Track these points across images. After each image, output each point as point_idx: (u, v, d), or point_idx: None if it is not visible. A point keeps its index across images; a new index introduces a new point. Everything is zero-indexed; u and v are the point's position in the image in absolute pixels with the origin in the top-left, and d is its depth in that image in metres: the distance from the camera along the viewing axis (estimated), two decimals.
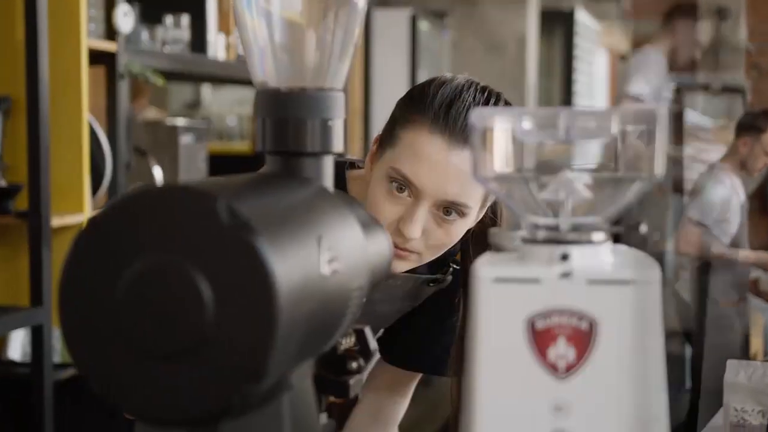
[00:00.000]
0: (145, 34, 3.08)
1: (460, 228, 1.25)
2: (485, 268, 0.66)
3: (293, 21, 0.85)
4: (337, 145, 0.85)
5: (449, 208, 1.23)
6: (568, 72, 7.63)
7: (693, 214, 4.26)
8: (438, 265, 1.39)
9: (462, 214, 1.23)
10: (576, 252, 0.67)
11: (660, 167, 0.72)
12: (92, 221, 0.64)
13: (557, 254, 0.67)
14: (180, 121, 3.29)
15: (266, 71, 0.85)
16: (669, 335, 4.12)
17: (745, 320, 4.32)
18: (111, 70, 2.77)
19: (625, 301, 0.65)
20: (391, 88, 4.31)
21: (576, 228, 0.71)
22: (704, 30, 9.40)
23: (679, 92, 5.03)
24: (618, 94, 4.47)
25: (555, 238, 0.68)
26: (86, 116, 2.62)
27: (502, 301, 0.66)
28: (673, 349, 4.35)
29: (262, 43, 0.85)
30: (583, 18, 7.69)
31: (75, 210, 2.61)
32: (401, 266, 1.27)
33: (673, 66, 4.46)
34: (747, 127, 4.34)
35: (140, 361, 0.61)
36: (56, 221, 2.53)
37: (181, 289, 0.60)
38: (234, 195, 0.67)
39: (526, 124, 0.73)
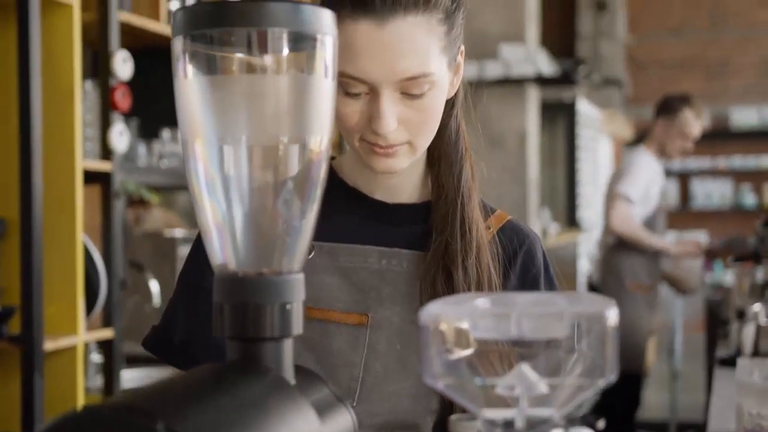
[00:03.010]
0: (142, 149, 3.10)
1: (434, 100, 1.16)
2: None
3: (252, 203, 0.84)
4: (297, 328, 0.84)
5: (410, 85, 1.13)
6: (571, 161, 7.67)
7: (622, 190, 4.24)
8: None
9: (428, 84, 1.14)
10: None
11: (613, 367, 0.71)
12: None
13: None
14: (179, 233, 3.30)
15: (225, 255, 0.85)
16: None
17: (654, 311, 4.27)
18: (106, 188, 2.79)
19: None
20: None
21: (532, 425, 0.70)
22: (584, 23, 9.51)
23: None
24: (610, 191, 4.49)
25: None
26: (81, 237, 2.62)
27: None
28: None
29: (220, 226, 0.84)
30: (584, 107, 7.76)
31: (69, 332, 2.60)
32: (397, 163, 1.19)
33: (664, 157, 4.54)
34: (662, 109, 4.40)
35: None
36: (49, 345, 2.51)
37: None
38: (176, 410, 0.65)
39: (479, 323, 0.72)
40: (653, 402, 6.61)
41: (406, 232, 1.26)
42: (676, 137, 4.39)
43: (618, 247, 4.34)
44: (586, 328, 0.71)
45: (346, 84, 1.14)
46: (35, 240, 2.48)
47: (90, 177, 2.75)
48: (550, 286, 1.23)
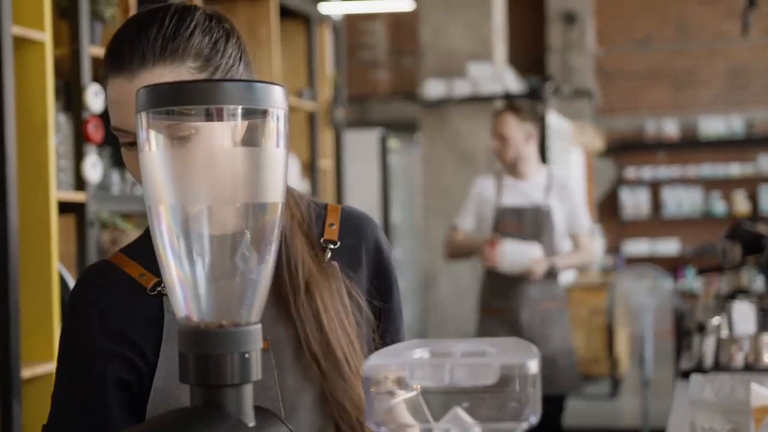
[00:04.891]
0: (116, 177, 3.17)
1: (201, 145, 1.19)
2: None
3: (212, 261, 0.92)
4: (256, 374, 0.91)
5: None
6: None
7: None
8: None
9: (193, 129, 1.11)
10: None
11: (537, 410, 0.79)
12: None
13: None
14: None
15: (188, 308, 0.92)
16: None
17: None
18: (81, 218, 2.85)
19: None
20: (364, 206, 4.40)
21: None
22: (553, 35, 9.59)
23: None
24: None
25: None
26: (56, 266, 2.69)
27: None
28: None
29: (183, 282, 0.92)
30: (554, 120, 7.87)
31: (45, 359, 2.66)
32: None
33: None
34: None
35: None
36: (26, 372, 2.57)
37: None
38: None
39: (416, 372, 0.80)
40: (625, 409, 6.71)
41: None
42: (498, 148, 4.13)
43: None
44: (512, 376, 0.79)
45: (119, 136, 1.22)
46: (11, 270, 2.54)
47: (64, 207, 2.81)
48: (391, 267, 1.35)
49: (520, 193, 4.02)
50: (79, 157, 2.86)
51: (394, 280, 1.37)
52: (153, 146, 0.89)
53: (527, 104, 4.13)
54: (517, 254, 3.93)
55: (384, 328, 1.33)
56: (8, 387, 2.50)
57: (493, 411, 0.80)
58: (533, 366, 0.78)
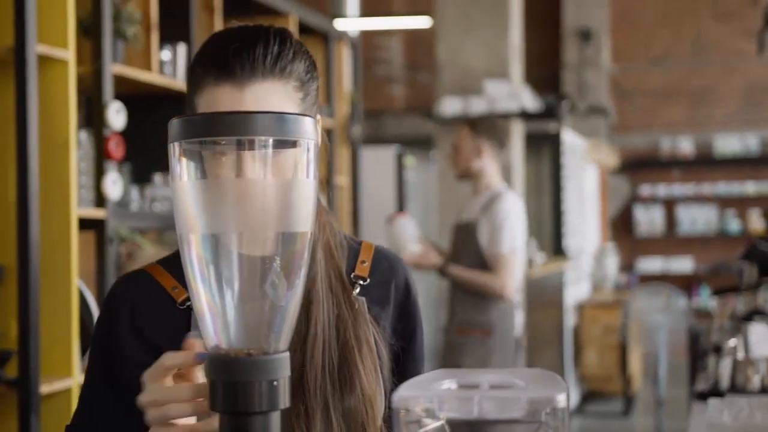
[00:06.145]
0: (135, 194, 3.19)
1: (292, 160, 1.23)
2: None
3: (241, 290, 0.93)
4: (284, 401, 0.92)
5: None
6: (557, 190, 7.76)
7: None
8: None
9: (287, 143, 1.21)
10: None
11: None
12: None
13: None
14: None
15: (218, 336, 0.93)
16: None
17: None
18: (100, 235, 2.87)
19: None
20: (380, 223, 4.41)
21: None
22: (569, 52, 9.53)
23: None
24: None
25: None
26: (76, 282, 2.71)
27: None
28: None
29: (212, 310, 0.93)
30: (569, 138, 7.87)
31: (64, 375, 2.68)
32: None
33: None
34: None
35: None
36: (45, 388, 2.59)
37: None
38: None
39: (444, 404, 0.81)
40: (637, 428, 6.69)
41: None
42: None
43: None
44: (541, 410, 0.80)
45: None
46: (32, 286, 2.56)
47: (84, 224, 2.83)
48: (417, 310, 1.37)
49: (467, 209, 4.06)
50: (99, 173, 2.88)
51: (418, 324, 1.38)
52: (184, 176, 0.91)
53: (491, 124, 4.08)
54: (400, 229, 3.95)
55: (403, 371, 1.32)
56: (27, 402, 2.52)
57: None
58: (562, 400, 0.79)
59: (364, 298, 1.31)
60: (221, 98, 1.18)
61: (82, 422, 1.29)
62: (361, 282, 1.32)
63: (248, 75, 1.18)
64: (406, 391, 0.82)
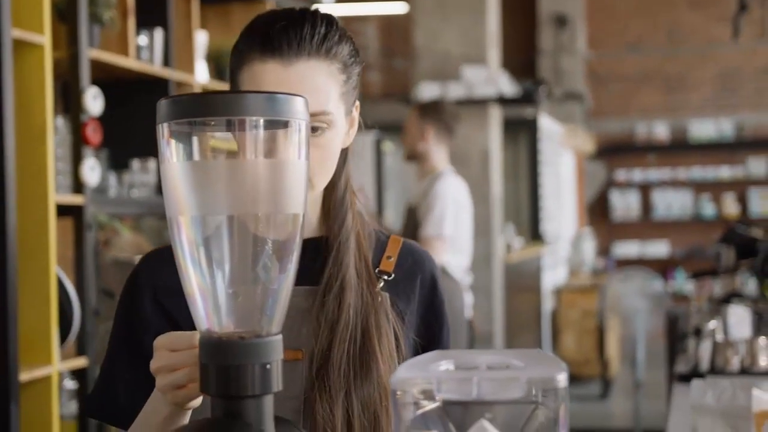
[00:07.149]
0: (113, 180, 3.16)
1: (331, 141, 1.23)
2: None
3: (232, 272, 0.92)
4: (276, 385, 0.91)
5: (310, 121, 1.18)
6: (534, 175, 7.79)
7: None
8: None
9: (326, 123, 1.22)
10: None
11: (566, 423, 0.79)
12: None
13: None
14: None
15: (209, 320, 0.92)
16: None
17: None
18: (78, 221, 2.84)
19: None
20: None
21: None
22: (545, 38, 9.58)
23: None
24: None
25: None
26: (54, 269, 2.68)
27: None
28: None
29: (204, 293, 0.92)
30: (546, 123, 7.89)
31: (43, 363, 2.65)
32: None
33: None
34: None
35: None
36: (24, 376, 2.56)
37: None
38: None
39: (443, 386, 0.80)
40: (617, 410, 6.73)
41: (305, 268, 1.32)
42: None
43: None
44: (541, 390, 0.79)
45: None
46: (10, 273, 2.53)
47: (62, 210, 2.80)
48: (443, 307, 1.36)
49: (415, 192, 4.11)
50: (77, 160, 2.85)
51: (444, 322, 1.37)
52: (174, 157, 0.89)
53: (437, 109, 4.10)
54: None
55: None
56: (6, 390, 2.49)
57: (519, 423, 0.80)
58: (562, 380, 0.78)
59: (387, 294, 1.30)
60: (266, 74, 1.19)
61: (103, 391, 1.29)
62: (386, 277, 1.32)
63: (294, 53, 1.19)
64: (403, 372, 0.81)
